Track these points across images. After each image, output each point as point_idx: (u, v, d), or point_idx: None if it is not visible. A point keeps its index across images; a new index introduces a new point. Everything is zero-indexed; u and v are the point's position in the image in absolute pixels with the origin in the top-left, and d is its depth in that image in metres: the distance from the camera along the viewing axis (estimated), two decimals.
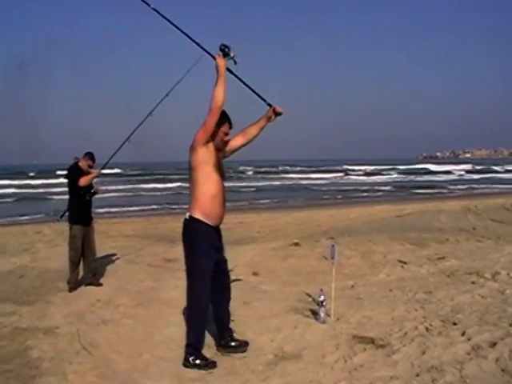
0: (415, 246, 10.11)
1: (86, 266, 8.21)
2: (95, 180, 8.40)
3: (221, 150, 4.89)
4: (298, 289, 7.32)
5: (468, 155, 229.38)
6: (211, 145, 4.76)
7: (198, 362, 4.75)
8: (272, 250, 10.46)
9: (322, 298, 5.70)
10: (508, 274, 7.41)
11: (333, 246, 6.20)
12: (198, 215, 4.72)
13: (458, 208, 18.96)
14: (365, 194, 35.60)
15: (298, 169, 73.81)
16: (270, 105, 4.98)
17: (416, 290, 6.87)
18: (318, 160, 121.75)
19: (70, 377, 4.65)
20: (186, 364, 4.77)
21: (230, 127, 4.89)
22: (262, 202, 29.60)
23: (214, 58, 4.71)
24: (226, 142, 4.92)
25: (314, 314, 5.92)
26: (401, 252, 9.55)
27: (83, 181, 7.94)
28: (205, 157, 4.71)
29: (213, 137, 4.75)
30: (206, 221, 4.74)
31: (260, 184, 46.93)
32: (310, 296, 6.73)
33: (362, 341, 5.09)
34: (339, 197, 32.61)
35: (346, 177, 60.43)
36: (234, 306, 6.54)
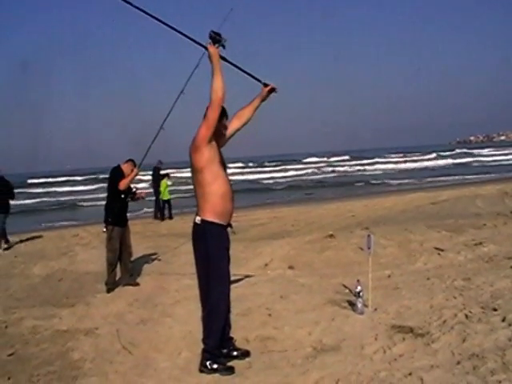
0: (452, 232, 9.94)
1: (123, 267, 8.31)
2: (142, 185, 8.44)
3: (219, 145, 4.70)
4: (334, 281, 7.28)
5: (503, 137, 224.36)
6: (214, 142, 4.55)
7: (215, 366, 4.59)
8: (308, 243, 10.42)
9: (359, 288, 5.66)
10: None
11: (369, 236, 6.13)
12: (210, 217, 4.51)
13: (494, 192, 18.58)
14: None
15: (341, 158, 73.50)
16: (265, 84, 4.82)
17: (454, 277, 6.74)
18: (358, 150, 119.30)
19: (111, 376, 4.73)
20: (203, 369, 4.61)
21: (227, 119, 4.73)
22: (294, 195, 29.68)
23: (205, 48, 4.50)
24: (224, 136, 4.75)
25: (352, 305, 5.88)
26: (437, 239, 9.41)
27: (123, 184, 8.05)
28: (210, 155, 4.50)
29: (214, 133, 4.53)
30: (219, 221, 4.54)
31: (289, 179, 46.83)
32: (346, 287, 6.69)
33: (401, 330, 5.03)
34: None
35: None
36: (272, 300, 6.59)
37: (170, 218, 19.01)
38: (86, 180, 55.71)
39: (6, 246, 13.45)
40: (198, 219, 4.57)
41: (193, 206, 4.85)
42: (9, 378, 4.87)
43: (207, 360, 4.62)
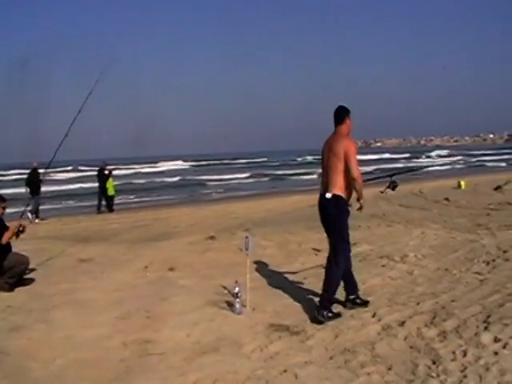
0: None
1: None
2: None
3: None
4: (215, 282, 7.32)
5: (379, 144, 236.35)
6: None
7: (330, 314, 5.38)
8: (189, 245, 10.41)
9: (236, 289, 5.75)
10: (416, 255, 7.73)
11: (246, 237, 6.25)
12: (342, 194, 5.58)
13: (369, 195, 19.46)
14: None
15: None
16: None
17: None
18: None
19: None
20: (321, 319, 5.31)
21: None
22: (175, 196, 29.66)
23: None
24: None
25: (230, 305, 5.96)
26: (315, 240, 9.70)
27: (6, 239, 7.80)
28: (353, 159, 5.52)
29: None
30: (345, 197, 5.64)
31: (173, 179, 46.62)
32: (226, 288, 6.76)
33: (278, 329, 5.19)
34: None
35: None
36: (151, 302, 6.54)
37: (111, 211, 21.58)
38: None
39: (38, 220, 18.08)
40: (328, 195, 5.64)
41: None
42: None
43: (325, 309, 5.41)
